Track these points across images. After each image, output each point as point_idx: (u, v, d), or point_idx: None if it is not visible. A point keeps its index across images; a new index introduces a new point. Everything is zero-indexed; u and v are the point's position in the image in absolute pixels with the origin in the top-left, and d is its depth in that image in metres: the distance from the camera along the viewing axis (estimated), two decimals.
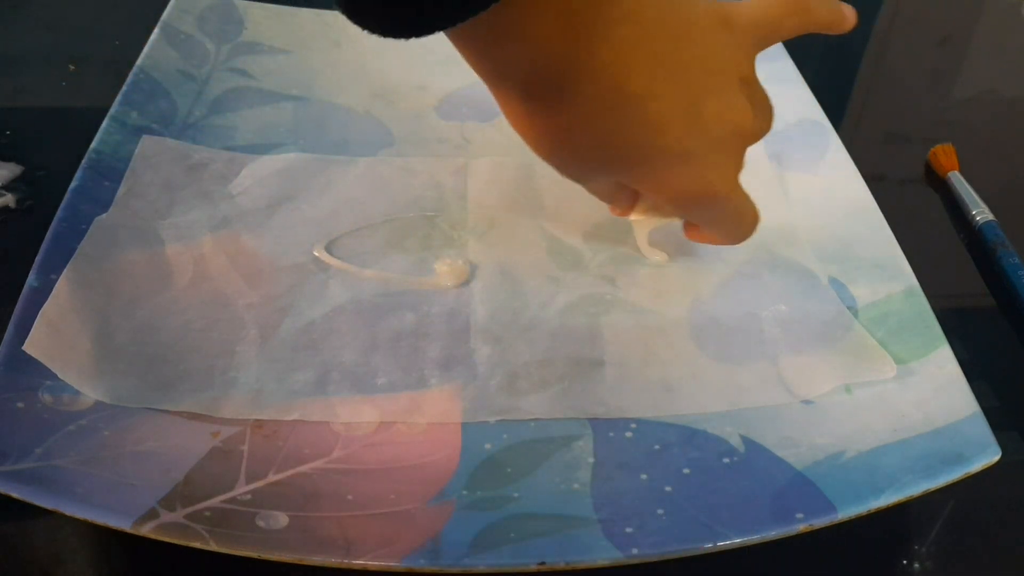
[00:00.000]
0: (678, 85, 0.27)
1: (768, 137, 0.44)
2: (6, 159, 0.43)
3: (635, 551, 0.27)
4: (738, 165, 0.31)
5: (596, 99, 0.27)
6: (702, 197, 0.30)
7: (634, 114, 0.27)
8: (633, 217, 0.37)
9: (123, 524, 0.26)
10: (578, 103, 0.27)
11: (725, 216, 0.33)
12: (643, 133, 0.28)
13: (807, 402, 0.33)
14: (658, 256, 0.39)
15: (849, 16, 0.34)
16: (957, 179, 0.45)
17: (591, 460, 0.30)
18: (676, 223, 0.37)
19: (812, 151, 0.44)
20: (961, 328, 0.36)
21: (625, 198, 0.36)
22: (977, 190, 0.44)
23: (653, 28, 0.26)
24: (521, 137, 0.29)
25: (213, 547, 0.26)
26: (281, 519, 0.27)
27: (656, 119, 0.28)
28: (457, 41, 0.27)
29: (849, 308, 0.36)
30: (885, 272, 0.37)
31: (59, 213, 0.36)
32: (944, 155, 0.47)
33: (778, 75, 0.48)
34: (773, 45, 0.33)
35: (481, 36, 0.26)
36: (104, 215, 0.37)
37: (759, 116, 0.31)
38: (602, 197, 0.37)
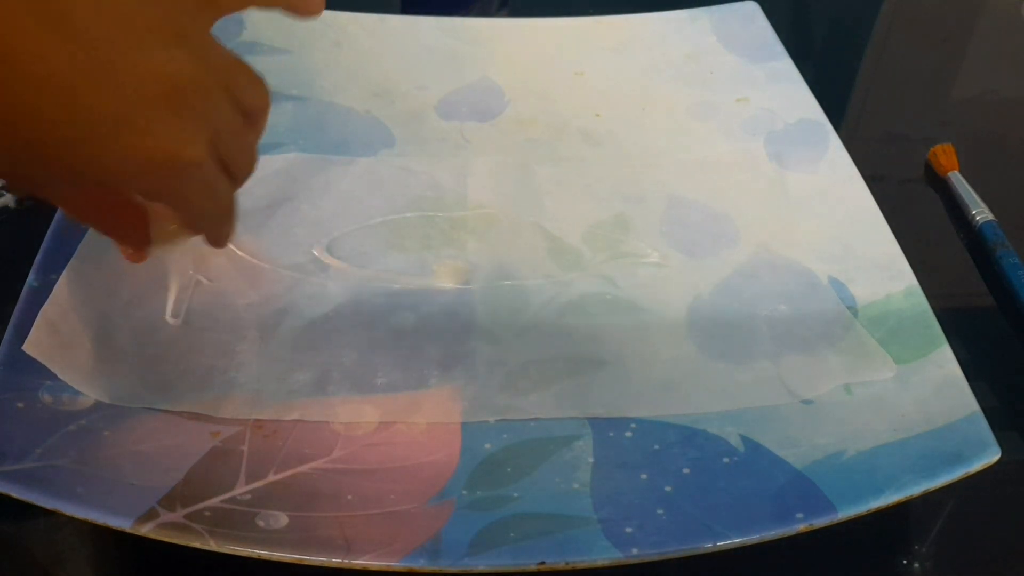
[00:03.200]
0: (80, 42, 0.24)
1: (768, 137, 0.45)
2: None
3: (635, 551, 0.27)
4: (199, 129, 0.26)
5: None
6: (163, 165, 0.26)
7: (28, 83, 0.23)
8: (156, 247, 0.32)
9: (123, 524, 0.26)
10: None
11: (199, 189, 0.27)
12: (51, 103, 0.23)
13: (807, 402, 0.33)
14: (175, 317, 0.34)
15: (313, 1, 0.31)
16: (957, 179, 0.45)
17: (591, 460, 0.30)
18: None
19: (812, 151, 0.44)
20: (961, 328, 0.36)
21: (102, 213, 0.30)
22: (977, 190, 0.44)
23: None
24: None
25: (213, 547, 0.26)
26: (281, 519, 0.27)
27: (60, 83, 0.23)
28: None
29: (849, 308, 0.36)
30: (885, 272, 0.37)
31: (59, 213, 0.36)
32: (944, 155, 0.47)
33: (778, 75, 0.48)
34: (244, 10, 0.31)
35: None
36: None
37: (224, 73, 0.27)
38: (81, 217, 0.30)
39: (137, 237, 0.31)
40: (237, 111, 0.28)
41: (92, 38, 0.24)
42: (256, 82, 0.29)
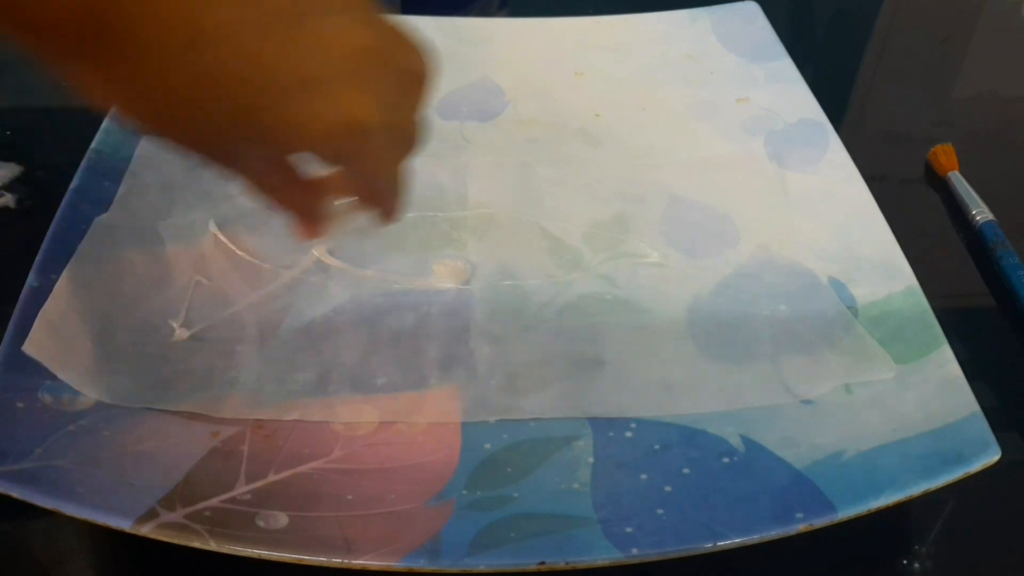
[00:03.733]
0: (267, 9, 0.25)
1: (768, 137, 0.45)
2: (6, 159, 0.43)
3: (635, 551, 0.27)
4: (377, 95, 0.27)
5: (165, 42, 0.23)
6: (350, 131, 0.27)
7: (219, 45, 0.24)
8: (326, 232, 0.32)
9: (123, 524, 0.26)
10: (147, 52, 0.23)
11: (376, 156, 0.28)
12: (240, 64, 0.24)
13: (807, 402, 0.33)
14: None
15: None
16: (957, 179, 0.45)
17: (591, 460, 0.30)
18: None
19: (812, 151, 0.44)
20: (961, 328, 0.36)
21: (287, 185, 0.31)
22: (977, 190, 0.44)
23: None
24: (120, 115, 0.25)
25: (213, 547, 0.26)
26: (281, 519, 0.27)
27: (245, 42, 0.24)
28: None
29: (849, 308, 0.36)
30: (885, 272, 0.37)
31: (59, 213, 0.36)
32: (944, 155, 0.47)
33: (778, 75, 0.48)
34: None
35: None
36: (104, 215, 0.37)
37: (384, 34, 0.28)
38: (265, 191, 0.31)
39: (313, 212, 0.32)
40: (404, 78, 0.28)
41: (280, 4, 0.25)
42: (421, 49, 0.29)
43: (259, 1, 0.25)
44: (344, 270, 0.37)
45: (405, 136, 0.29)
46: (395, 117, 0.28)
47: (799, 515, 0.28)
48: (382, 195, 0.31)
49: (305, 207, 0.32)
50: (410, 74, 0.29)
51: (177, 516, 0.27)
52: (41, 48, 0.23)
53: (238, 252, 0.37)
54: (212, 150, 0.27)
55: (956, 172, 0.46)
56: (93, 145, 0.39)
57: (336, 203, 0.32)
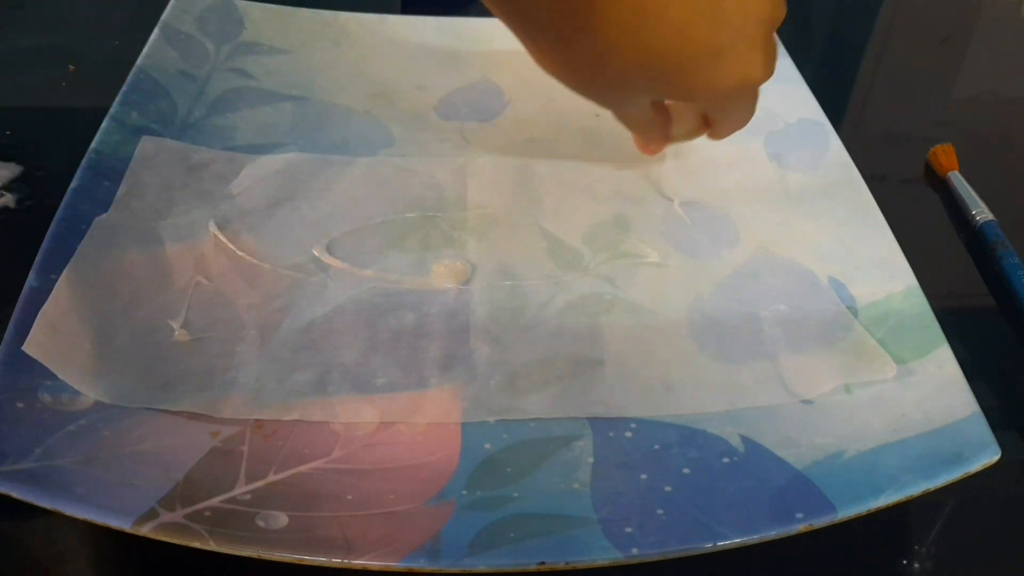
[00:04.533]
0: None
1: (768, 137, 0.45)
2: (6, 159, 0.43)
3: (635, 551, 0.27)
4: (766, 51, 0.33)
5: (620, 21, 0.29)
6: (741, 89, 0.33)
7: (658, 25, 0.29)
8: (666, 148, 0.39)
9: (123, 524, 0.26)
10: (604, 28, 0.29)
11: (753, 104, 0.35)
12: (673, 40, 0.30)
13: (807, 402, 0.33)
14: (674, 196, 0.41)
15: None
16: (957, 179, 0.45)
17: (591, 460, 0.30)
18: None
19: (812, 151, 0.44)
20: (961, 328, 0.36)
21: (661, 121, 0.38)
22: (977, 190, 0.44)
23: None
24: (555, 76, 0.31)
25: (213, 547, 0.26)
26: (281, 519, 0.27)
27: (680, 24, 0.30)
28: None
29: (849, 308, 0.36)
30: (885, 272, 0.37)
31: (59, 213, 0.36)
32: (944, 155, 0.47)
33: (778, 75, 0.48)
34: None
35: None
36: (104, 215, 0.37)
37: (777, 3, 0.33)
38: (638, 126, 0.38)
39: (663, 135, 0.39)
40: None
41: None
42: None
43: None
44: (344, 270, 0.37)
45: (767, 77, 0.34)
46: (773, 67, 0.34)
47: (799, 515, 0.28)
48: (731, 128, 0.37)
49: (656, 135, 0.39)
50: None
51: (177, 516, 0.27)
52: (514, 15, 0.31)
53: (238, 252, 0.37)
54: (614, 101, 0.35)
55: (956, 172, 0.46)
56: (93, 145, 0.39)
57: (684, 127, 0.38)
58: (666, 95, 0.34)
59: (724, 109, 0.35)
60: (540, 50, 0.32)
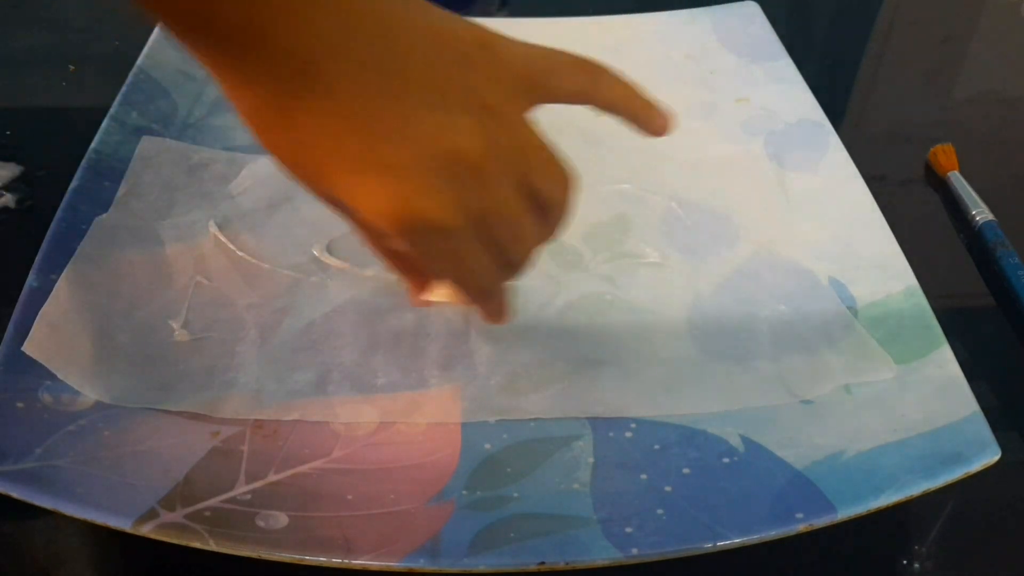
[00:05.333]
0: (398, 95, 0.25)
1: (768, 137, 0.45)
2: (6, 159, 0.43)
3: (635, 551, 0.27)
4: (464, 201, 0.26)
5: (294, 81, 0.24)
6: (416, 222, 0.26)
7: (355, 121, 0.25)
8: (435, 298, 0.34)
9: (123, 524, 0.26)
10: (326, 98, 0.24)
11: (450, 257, 0.27)
12: (357, 139, 0.25)
13: (807, 402, 0.33)
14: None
15: (660, 120, 0.31)
16: (957, 179, 0.45)
17: (591, 460, 0.30)
18: None
19: (812, 151, 0.44)
20: (961, 328, 0.36)
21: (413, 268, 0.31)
22: (977, 190, 0.44)
23: (373, 26, 0.24)
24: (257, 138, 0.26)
25: (213, 547, 0.26)
26: (281, 519, 0.27)
27: (370, 125, 0.25)
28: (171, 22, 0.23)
29: (849, 308, 0.36)
30: (885, 272, 0.37)
31: (59, 213, 0.36)
32: (944, 155, 0.47)
33: (778, 75, 0.48)
34: (556, 103, 0.30)
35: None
36: (104, 215, 0.37)
37: (504, 155, 0.27)
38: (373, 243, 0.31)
39: (419, 284, 0.33)
40: (523, 198, 0.27)
41: (410, 91, 0.25)
42: (558, 176, 0.29)
43: (405, 81, 0.25)
44: (344, 270, 0.37)
45: (508, 254, 0.28)
46: (497, 232, 0.27)
47: (799, 515, 0.28)
48: (470, 294, 0.30)
49: (413, 279, 0.33)
50: (538, 196, 0.28)
51: (177, 516, 0.27)
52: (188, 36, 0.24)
53: (238, 252, 0.37)
54: (317, 192, 0.27)
55: (956, 172, 0.46)
56: (93, 145, 0.39)
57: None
58: (341, 198, 0.26)
59: (406, 239, 0.26)
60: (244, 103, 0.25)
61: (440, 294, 0.34)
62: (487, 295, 0.31)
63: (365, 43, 0.24)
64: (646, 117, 0.31)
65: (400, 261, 0.32)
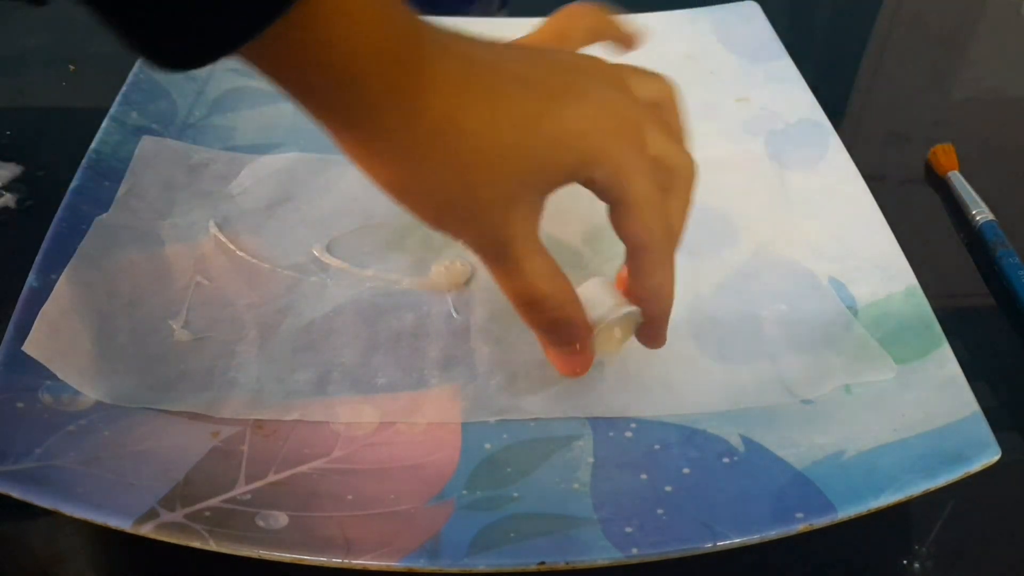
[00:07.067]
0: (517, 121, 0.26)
1: (768, 137, 0.45)
2: (6, 159, 0.43)
3: (635, 551, 0.27)
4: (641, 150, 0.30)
5: (424, 133, 0.25)
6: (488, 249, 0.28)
7: (461, 143, 0.26)
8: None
9: (123, 524, 0.26)
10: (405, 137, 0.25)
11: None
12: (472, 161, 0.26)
13: (807, 402, 0.33)
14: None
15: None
16: (957, 179, 0.45)
17: (591, 460, 0.30)
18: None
19: (812, 151, 0.44)
20: (961, 328, 0.36)
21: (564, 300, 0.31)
22: (977, 190, 0.44)
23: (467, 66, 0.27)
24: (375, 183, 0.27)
25: (213, 547, 0.26)
26: (281, 519, 0.27)
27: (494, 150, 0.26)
28: (268, 68, 0.24)
29: (849, 308, 0.36)
30: (885, 272, 0.37)
31: (59, 213, 0.36)
32: (944, 155, 0.47)
33: (778, 75, 0.48)
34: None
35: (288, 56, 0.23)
36: (104, 215, 0.37)
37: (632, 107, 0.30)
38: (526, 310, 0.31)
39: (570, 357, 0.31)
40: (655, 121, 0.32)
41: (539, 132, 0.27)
42: (654, 79, 0.33)
43: (511, 110, 0.26)
44: (344, 270, 0.37)
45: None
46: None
47: (799, 515, 0.28)
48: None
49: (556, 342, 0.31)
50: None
51: (177, 516, 0.27)
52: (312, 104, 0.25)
53: (238, 252, 0.37)
54: (434, 223, 0.27)
55: (956, 172, 0.46)
56: (93, 145, 0.39)
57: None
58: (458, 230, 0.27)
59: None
60: (354, 151, 0.26)
61: (584, 362, 0.31)
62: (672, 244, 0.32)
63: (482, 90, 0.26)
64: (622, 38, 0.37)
65: (552, 332, 0.31)
